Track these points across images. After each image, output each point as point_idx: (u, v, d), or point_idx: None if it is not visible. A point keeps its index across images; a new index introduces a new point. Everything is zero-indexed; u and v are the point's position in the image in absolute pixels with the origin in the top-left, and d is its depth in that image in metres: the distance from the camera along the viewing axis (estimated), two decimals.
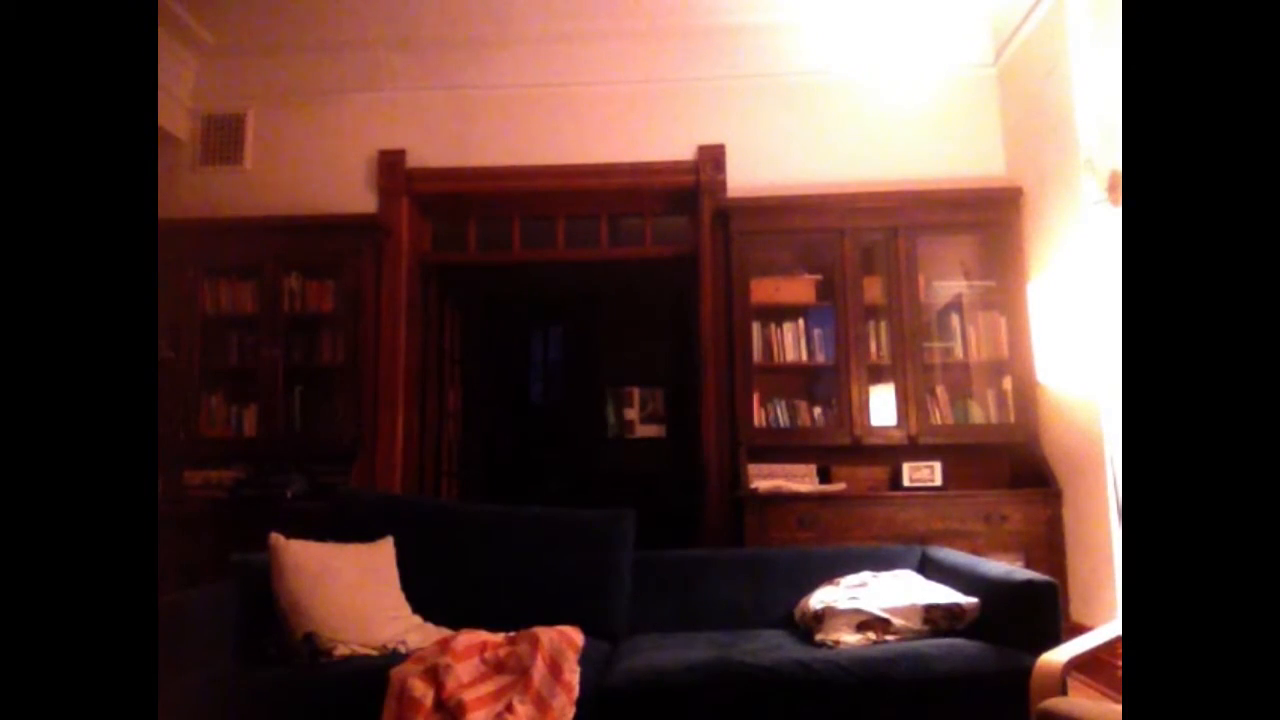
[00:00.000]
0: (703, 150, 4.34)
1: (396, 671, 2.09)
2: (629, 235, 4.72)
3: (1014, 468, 3.94)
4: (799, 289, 4.11)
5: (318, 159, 4.45)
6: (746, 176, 4.29)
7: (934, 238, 4.13)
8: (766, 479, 3.82)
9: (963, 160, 4.27)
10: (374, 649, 2.37)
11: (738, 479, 3.86)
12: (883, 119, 4.33)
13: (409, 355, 4.36)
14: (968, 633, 2.36)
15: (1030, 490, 3.70)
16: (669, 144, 4.35)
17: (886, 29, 4.28)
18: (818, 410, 4.03)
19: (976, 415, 4.00)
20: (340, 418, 4.13)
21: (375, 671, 2.12)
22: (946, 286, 4.14)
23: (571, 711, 2.10)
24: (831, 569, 2.79)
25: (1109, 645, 2.13)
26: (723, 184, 4.30)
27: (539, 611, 2.53)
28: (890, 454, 3.96)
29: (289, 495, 3.84)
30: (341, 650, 2.32)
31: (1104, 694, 2.66)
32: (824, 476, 3.94)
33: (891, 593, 2.50)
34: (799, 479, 3.88)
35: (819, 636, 2.41)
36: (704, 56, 4.36)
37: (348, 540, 2.71)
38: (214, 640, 2.33)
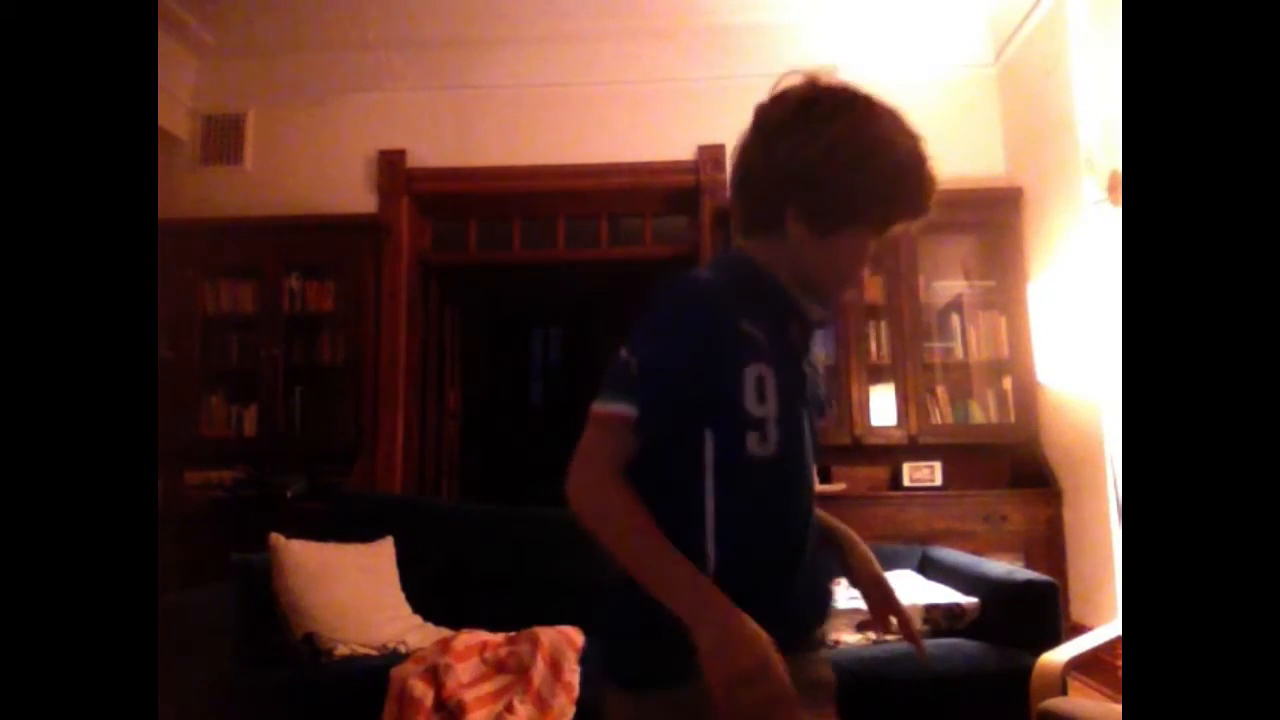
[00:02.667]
0: (703, 150, 4.33)
1: (396, 671, 2.09)
2: (629, 235, 4.72)
3: (1014, 468, 3.94)
4: None
5: (318, 159, 4.44)
6: None
7: (934, 238, 4.13)
8: None
9: (963, 160, 4.26)
10: (374, 649, 2.37)
11: None
12: None
13: (409, 355, 4.36)
14: (968, 633, 2.36)
15: (1030, 490, 3.69)
16: (669, 144, 4.35)
17: (886, 29, 4.28)
18: None
19: (976, 415, 4.00)
20: (340, 418, 4.12)
21: (375, 671, 2.12)
22: (946, 286, 4.14)
23: (571, 711, 2.10)
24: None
25: (1109, 645, 2.13)
26: (723, 184, 4.29)
27: (539, 611, 2.53)
28: (890, 454, 3.96)
29: (289, 495, 3.84)
30: (341, 650, 2.32)
31: (1104, 694, 2.66)
32: (824, 476, 3.94)
33: None
34: None
35: None
36: (704, 56, 4.36)
37: (348, 540, 2.71)
38: (214, 640, 2.33)
